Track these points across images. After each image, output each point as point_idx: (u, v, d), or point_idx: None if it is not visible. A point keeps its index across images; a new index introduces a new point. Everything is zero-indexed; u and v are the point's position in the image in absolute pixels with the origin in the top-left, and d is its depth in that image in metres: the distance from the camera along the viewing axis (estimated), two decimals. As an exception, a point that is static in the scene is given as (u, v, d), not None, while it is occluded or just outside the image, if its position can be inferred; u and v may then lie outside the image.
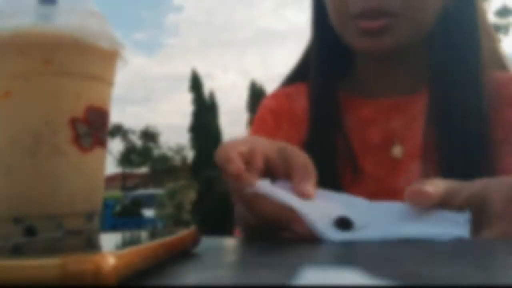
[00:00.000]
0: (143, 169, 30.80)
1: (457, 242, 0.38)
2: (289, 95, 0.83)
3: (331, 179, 0.70)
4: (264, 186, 0.40)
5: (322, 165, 0.73)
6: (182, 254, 0.36)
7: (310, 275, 0.19)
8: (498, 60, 0.76)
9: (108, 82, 0.44)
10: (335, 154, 0.73)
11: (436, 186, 0.45)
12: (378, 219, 0.41)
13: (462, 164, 0.68)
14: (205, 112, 21.75)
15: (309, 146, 0.74)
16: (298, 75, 0.85)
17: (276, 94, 0.85)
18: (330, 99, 0.76)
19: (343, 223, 0.39)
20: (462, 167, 0.67)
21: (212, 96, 22.62)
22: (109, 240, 0.43)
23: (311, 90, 0.79)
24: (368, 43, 0.68)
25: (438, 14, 0.69)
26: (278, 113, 0.81)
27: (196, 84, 22.20)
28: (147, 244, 0.30)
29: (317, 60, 0.79)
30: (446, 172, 0.67)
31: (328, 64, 0.78)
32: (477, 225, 0.43)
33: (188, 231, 0.39)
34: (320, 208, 0.40)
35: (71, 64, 0.41)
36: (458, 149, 0.69)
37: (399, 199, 0.70)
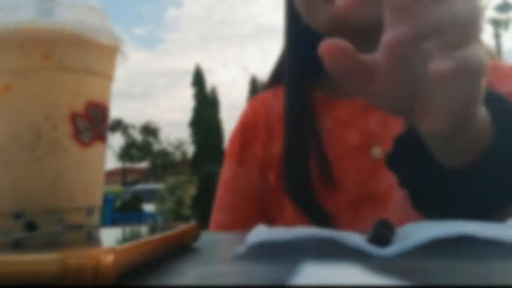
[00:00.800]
0: (143, 164, 30.82)
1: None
2: (264, 102, 0.81)
3: (309, 187, 0.70)
4: (266, 232, 0.34)
5: (299, 173, 0.72)
6: (182, 249, 0.36)
7: (310, 271, 0.19)
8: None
9: (108, 77, 0.44)
10: (309, 162, 0.72)
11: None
12: (415, 231, 0.37)
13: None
14: (206, 107, 21.75)
15: (286, 154, 0.74)
16: (277, 78, 0.83)
17: (252, 104, 0.84)
18: (304, 104, 0.75)
19: (379, 240, 0.35)
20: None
21: (214, 92, 22.61)
22: (109, 235, 0.43)
23: (285, 96, 0.77)
24: (329, 10, 0.63)
25: None
26: (249, 128, 0.80)
27: (198, 79, 22.19)
28: (147, 239, 0.30)
29: (290, 64, 0.78)
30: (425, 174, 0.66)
31: (300, 68, 0.77)
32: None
33: (188, 226, 0.39)
34: (344, 233, 0.37)
35: (71, 59, 0.41)
36: None
37: (383, 203, 0.68)
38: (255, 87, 21.51)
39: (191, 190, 12.87)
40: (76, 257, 0.22)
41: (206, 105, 21.92)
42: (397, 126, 0.69)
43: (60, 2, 0.42)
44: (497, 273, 0.25)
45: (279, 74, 0.82)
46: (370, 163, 0.71)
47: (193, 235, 0.39)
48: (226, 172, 0.80)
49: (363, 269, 0.18)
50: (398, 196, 0.68)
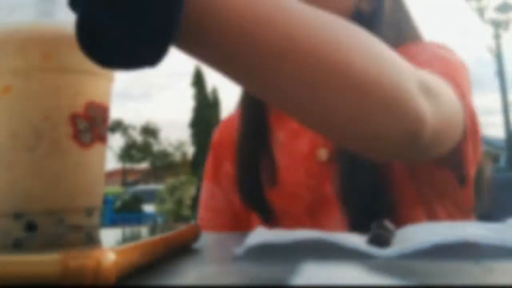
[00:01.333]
0: (144, 165, 30.81)
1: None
2: (232, 123, 0.83)
3: (257, 186, 0.74)
4: (265, 233, 0.34)
5: (249, 176, 0.75)
6: (182, 249, 0.36)
7: (310, 271, 0.19)
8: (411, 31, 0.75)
9: (108, 77, 0.44)
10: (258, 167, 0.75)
11: None
12: (415, 234, 0.36)
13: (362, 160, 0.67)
14: (206, 107, 21.73)
15: (239, 161, 0.77)
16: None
17: (220, 125, 0.88)
18: (257, 120, 0.78)
19: (379, 241, 0.34)
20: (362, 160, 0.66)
21: (215, 92, 22.59)
22: (109, 236, 0.43)
23: (240, 115, 0.80)
24: None
25: (345, 13, 0.68)
26: (218, 147, 0.84)
27: (198, 79, 22.16)
28: (147, 240, 0.30)
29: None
30: (359, 172, 0.67)
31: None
32: None
33: (188, 227, 0.39)
34: (343, 235, 0.36)
35: (71, 60, 0.41)
36: None
37: (331, 204, 0.70)
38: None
39: (191, 191, 12.85)
40: (76, 258, 0.22)
41: (206, 105, 21.90)
42: None
43: (60, 3, 0.42)
44: (497, 273, 0.25)
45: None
46: (317, 167, 0.73)
47: (193, 236, 0.39)
48: (204, 192, 0.83)
49: (363, 269, 0.18)
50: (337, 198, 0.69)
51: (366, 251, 0.31)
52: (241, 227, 0.78)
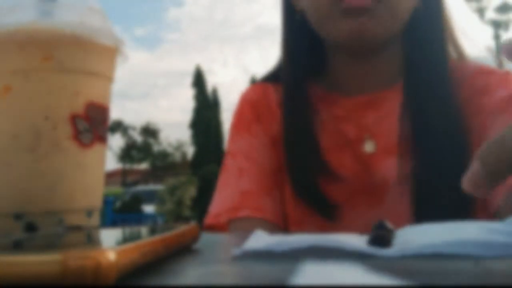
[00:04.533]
0: (144, 165, 30.79)
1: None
2: (266, 87, 0.83)
3: (312, 181, 0.73)
4: (264, 239, 0.34)
5: (298, 163, 0.74)
6: (182, 249, 0.36)
7: (310, 271, 0.19)
8: (456, 49, 0.77)
9: (108, 78, 0.44)
10: (310, 151, 0.74)
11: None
12: (415, 236, 0.36)
13: (439, 156, 0.69)
14: (206, 108, 21.73)
15: (286, 144, 0.76)
16: (277, 76, 0.85)
17: (254, 86, 0.86)
18: (301, 98, 0.77)
19: (379, 241, 0.34)
20: (438, 160, 0.68)
21: (215, 93, 22.59)
22: (109, 236, 0.43)
23: (283, 90, 0.79)
24: (350, 25, 0.68)
25: (412, 9, 0.72)
26: (256, 105, 0.82)
27: (199, 80, 22.16)
28: (147, 240, 0.30)
29: (287, 59, 0.81)
30: (423, 166, 0.69)
31: (298, 62, 0.79)
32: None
33: (188, 227, 0.39)
34: (345, 238, 0.36)
35: (71, 60, 0.41)
36: (433, 142, 0.70)
37: (377, 196, 0.71)
38: (255, 88, 21.42)
39: (191, 191, 12.85)
40: (76, 258, 0.22)
41: (206, 106, 21.90)
42: (394, 123, 0.72)
43: (60, 3, 0.42)
44: (497, 273, 0.25)
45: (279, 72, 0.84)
46: (364, 157, 0.73)
47: (193, 236, 0.39)
48: (241, 143, 0.80)
49: (363, 269, 0.18)
50: (395, 191, 0.70)
51: (366, 252, 0.31)
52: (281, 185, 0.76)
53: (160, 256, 0.30)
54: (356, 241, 0.34)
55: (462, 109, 0.71)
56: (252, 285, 0.22)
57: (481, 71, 0.74)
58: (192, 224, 0.40)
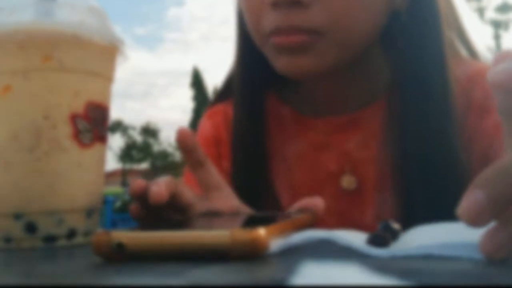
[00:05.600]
0: (144, 165, 30.81)
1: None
2: (224, 111, 0.72)
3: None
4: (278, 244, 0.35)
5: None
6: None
7: (310, 271, 0.19)
8: (464, 44, 0.66)
9: (108, 78, 0.44)
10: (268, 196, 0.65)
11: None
12: (416, 237, 0.35)
13: (425, 191, 0.58)
14: (206, 108, 21.73)
15: (240, 183, 0.65)
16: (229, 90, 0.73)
17: (209, 116, 0.74)
18: (259, 120, 0.66)
19: (377, 241, 0.34)
20: (425, 195, 0.58)
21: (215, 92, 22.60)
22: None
23: (234, 110, 0.68)
24: (284, 62, 0.57)
25: (380, 24, 0.60)
26: (215, 142, 0.71)
27: (197, 80, 22.16)
28: (283, 222, 0.37)
29: (241, 70, 0.68)
30: (406, 200, 0.59)
31: (254, 71, 0.67)
32: None
33: (307, 215, 0.44)
34: (345, 234, 0.36)
35: (71, 60, 0.41)
36: (422, 176, 0.59)
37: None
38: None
39: (191, 191, 12.82)
40: (240, 232, 0.29)
41: (206, 106, 21.92)
42: (377, 145, 0.63)
43: (60, 3, 0.42)
44: (497, 273, 0.25)
45: (231, 85, 0.72)
46: (346, 192, 0.63)
47: (311, 222, 0.44)
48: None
49: (363, 269, 0.18)
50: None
51: (358, 249, 0.32)
52: None
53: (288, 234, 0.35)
54: (357, 239, 0.34)
55: (462, 132, 0.59)
56: (252, 285, 0.22)
57: (481, 77, 0.61)
58: (309, 213, 0.45)
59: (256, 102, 0.67)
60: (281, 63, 0.58)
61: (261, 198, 0.65)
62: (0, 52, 0.40)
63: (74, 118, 0.41)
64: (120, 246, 0.30)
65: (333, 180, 0.64)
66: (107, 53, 0.44)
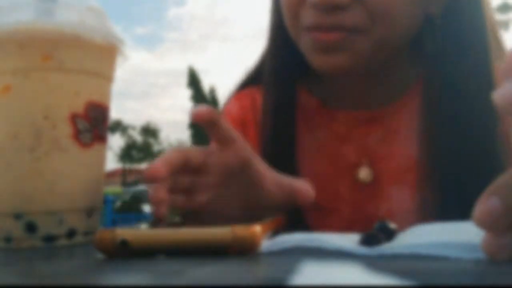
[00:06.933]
0: (144, 165, 30.79)
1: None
2: (252, 96, 0.73)
3: (298, 210, 0.64)
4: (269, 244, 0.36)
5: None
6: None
7: (310, 271, 0.19)
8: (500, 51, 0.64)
9: (108, 78, 0.44)
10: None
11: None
12: (409, 236, 0.35)
13: (458, 187, 0.58)
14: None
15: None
16: (254, 79, 0.74)
17: (238, 98, 0.75)
18: (289, 110, 0.67)
19: (371, 240, 0.34)
20: (457, 191, 0.58)
21: (213, 92, 22.58)
22: None
23: (265, 96, 0.69)
24: (320, 60, 0.58)
25: (415, 26, 0.61)
26: (243, 123, 0.72)
27: (193, 81, 22.14)
28: (270, 221, 0.39)
29: (274, 54, 0.69)
30: (441, 195, 0.60)
31: (287, 61, 0.67)
32: None
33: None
34: (336, 237, 0.36)
35: (71, 60, 0.41)
36: (457, 171, 0.59)
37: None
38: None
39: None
40: (241, 229, 0.31)
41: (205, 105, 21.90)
42: (397, 141, 0.65)
43: (60, 3, 0.42)
44: (497, 273, 0.25)
45: (260, 74, 0.73)
46: (363, 185, 0.65)
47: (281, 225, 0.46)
48: None
49: (363, 269, 0.18)
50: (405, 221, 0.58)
51: (348, 250, 0.32)
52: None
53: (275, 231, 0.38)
54: (347, 240, 0.34)
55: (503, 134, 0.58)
56: (252, 285, 0.22)
57: None
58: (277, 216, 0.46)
59: (288, 93, 0.68)
60: (317, 59, 0.58)
61: None
62: (0, 52, 0.40)
63: (74, 118, 0.41)
64: (124, 243, 0.31)
65: (351, 171, 0.65)
66: (107, 53, 0.44)
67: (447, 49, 0.61)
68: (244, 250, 0.31)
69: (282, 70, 0.68)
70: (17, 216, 0.40)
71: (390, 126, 0.65)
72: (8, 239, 0.40)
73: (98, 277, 0.27)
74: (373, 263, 0.28)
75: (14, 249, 0.40)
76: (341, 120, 0.67)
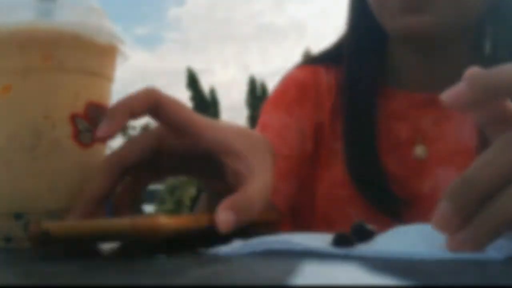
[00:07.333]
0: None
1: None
2: (316, 71, 0.75)
3: (374, 176, 0.66)
4: (241, 246, 0.36)
5: (357, 161, 0.67)
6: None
7: (310, 271, 0.19)
8: None
9: (108, 78, 0.44)
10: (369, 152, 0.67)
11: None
12: (383, 239, 0.36)
13: None
14: (205, 108, 21.72)
15: (345, 135, 0.69)
16: (327, 58, 0.77)
17: (303, 68, 0.77)
18: (367, 92, 0.70)
19: (343, 241, 0.35)
20: None
21: (213, 93, 22.59)
22: None
23: (347, 80, 0.72)
24: (406, 21, 0.61)
25: (484, 4, 0.64)
26: (303, 88, 0.74)
27: (192, 81, 22.13)
28: (189, 215, 0.41)
29: (353, 48, 0.72)
30: None
31: (365, 55, 0.71)
32: None
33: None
34: (309, 238, 0.36)
35: (71, 60, 0.41)
36: None
37: (425, 206, 0.61)
38: (253, 87, 21.45)
39: (191, 191, 12.87)
40: (142, 218, 0.34)
41: (204, 106, 21.90)
42: (450, 126, 0.67)
43: (60, 3, 0.42)
44: (497, 274, 0.25)
45: (331, 55, 0.76)
46: (414, 162, 0.67)
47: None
48: (276, 119, 0.73)
49: (363, 269, 0.18)
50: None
51: (318, 251, 0.32)
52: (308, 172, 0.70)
53: (195, 229, 0.39)
54: (319, 241, 0.35)
55: None
56: (252, 285, 0.22)
57: None
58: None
59: (369, 73, 0.71)
60: (403, 20, 0.62)
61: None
62: (0, 52, 0.40)
63: (74, 118, 0.41)
64: (46, 233, 0.34)
65: (404, 148, 0.68)
66: (107, 53, 0.44)
67: (503, 48, 0.65)
68: (144, 239, 0.34)
69: (364, 50, 0.72)
70: (17, 216, 0.40)
71: (444, 110, 0.66)
72: (8, 239, 0.40)
73: (98, 277, 0.27)
74: (373, 263, 0.28)
75: (14, 249, 0.40)
76: (398, 99, 0.70)
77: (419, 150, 0.67)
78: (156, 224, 0.33)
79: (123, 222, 0.34)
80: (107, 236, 0.36)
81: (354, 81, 0.71)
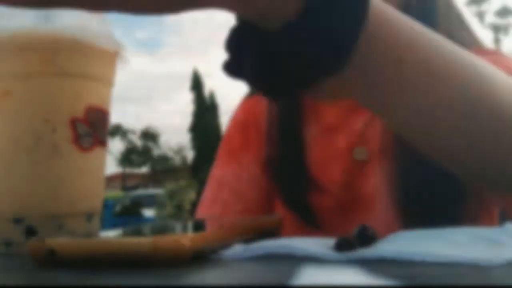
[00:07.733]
0: (143, 169, 30.79)
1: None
2: (258, 102, 0.78)
3: (298, 192, 0.69)
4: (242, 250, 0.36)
5: (288, 179, 0.70)
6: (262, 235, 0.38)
7: (310, 271, 0.19)
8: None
9: (108, 82, 0.44)
10: (301, 168, 0.70)
11: None
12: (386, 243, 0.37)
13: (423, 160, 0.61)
14: (205, 112, 21.74)
15: (279, 159, 0.72)
16: None
17: (245, 104, 0.81)
18: (292, 110, 0.72)
19: (344, 245, 0.35)
20: (423, 164, 0.58)
21: (212, 96, 22.60)
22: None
23: (270, 110, 0.74)
24: None
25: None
26: (245, 127, 0.77)
27: (197, 84, 22.16)
28: (213, 230, 0.37)
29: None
30: (407, 171, 0.64)
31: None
32: None
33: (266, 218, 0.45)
34: (310, 242, 0.37)
35: (71, 64, 0.41)
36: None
37: (369, 206, 0.66)
38: (252, 91, 21.45)
39: (191, 195, 12.85)
40: (162, 239, 0.30)
41: (205, 110, 21.92)
42: (381, 124, 0.68)
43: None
44: (497, 274, 0.25)
45: None
46: (356, 165, 0.69)
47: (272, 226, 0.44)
48: (229, 173, 0.76)
49: (362, 270, 0.19)
50: (384, 199, 0.66)
51: (317, 255, 0.32)
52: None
53: (226, 242, 0.36)
54: (320, 245, 0.35)
55: None
56: (252, 285, 0.22)
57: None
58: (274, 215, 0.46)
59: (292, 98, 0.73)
60: None
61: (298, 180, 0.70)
62: (0, 56, 0.40)
63: (74, 122, 0.41)
64: (51, 253, 0.31)
65: (346, 154, 0.69)
66: (107, 57, 0.44)
67: None
68: (168, 262, 0.29)
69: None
70: (17, 221, 0.40)
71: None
72: (8, 244, 0.40)
73: (98, 278, 0.27)
74: (373, 264, 0.28)
75: (14, 253, 0.40)
76: (331, 112, 0.72)
77: (359, 153, 0.69)
78: (180, 245, 0.30)
79: (142, 241, 0.30)
80: (119, 257, 0.30)
81: (276, 107, 0.73)
